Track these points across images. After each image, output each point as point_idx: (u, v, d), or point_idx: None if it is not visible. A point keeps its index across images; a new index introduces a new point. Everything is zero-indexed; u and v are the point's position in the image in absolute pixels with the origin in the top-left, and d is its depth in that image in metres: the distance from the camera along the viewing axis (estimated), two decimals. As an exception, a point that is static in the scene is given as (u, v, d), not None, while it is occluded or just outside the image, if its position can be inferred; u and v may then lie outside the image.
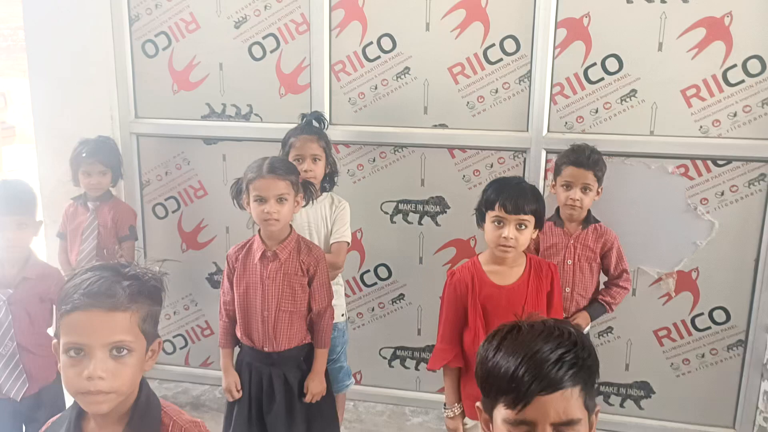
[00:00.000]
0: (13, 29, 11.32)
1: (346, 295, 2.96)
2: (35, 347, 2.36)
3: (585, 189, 2.53)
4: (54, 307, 2.35)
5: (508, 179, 2.23)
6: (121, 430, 1.29)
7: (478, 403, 1.21)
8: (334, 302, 2.69)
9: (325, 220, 2.69)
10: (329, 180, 2.74)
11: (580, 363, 1.10)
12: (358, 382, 3.29)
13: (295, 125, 2.76)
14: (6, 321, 2.31)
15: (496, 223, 2.08)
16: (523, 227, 2.07)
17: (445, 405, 2.30)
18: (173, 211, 3.38)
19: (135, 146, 3.31)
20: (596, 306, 2.65)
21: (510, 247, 2.06)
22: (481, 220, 2.16)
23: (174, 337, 3.53)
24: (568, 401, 1.08)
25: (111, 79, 3.23)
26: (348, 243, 2.71)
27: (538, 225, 2.12)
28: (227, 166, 3.26)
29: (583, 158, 2.54)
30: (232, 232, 3.32)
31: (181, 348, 3.53)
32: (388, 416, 3.25)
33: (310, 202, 2.46)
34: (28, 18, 3.29)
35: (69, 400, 2.49)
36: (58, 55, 3.24)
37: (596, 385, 1.17)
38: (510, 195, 2.06)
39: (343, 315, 2.79)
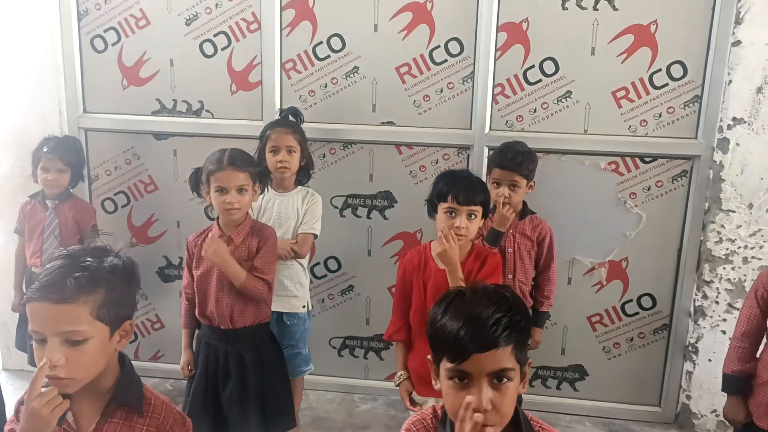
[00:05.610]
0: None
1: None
2: None
3: (512, 186, 2.66)
4: None
5: (457, 172, 2.37)
6: (105, 403, 1.36)
7: (429, 356, 1.36)
8: (297, 293, 2.80)
9: (296, 211, 2.78)
10: (305, 173, 2.83)
11: (513, 325, 1.25)
12: (308, 372, 3.38)
13: (269, 121, 2.90)
14: None
15: (448, 214, 2.22)
16: (473, 217, 2.22)
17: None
18: (123, 206, 3.39)
19: (83, 141, 3.29)
20: (541, 315, 2.85)
21: (461, 235, 2.20)
22: (432, 210, 2.29)
23: (123, 331, 3.52)
24: (501, 356, 1.24)
25: (59, 73, 3.22)
26: (315, 235, 2.80)
27: (485, 215, 2.28)
28: (178, 161, 3.29)
29: (506, 161, 2.67)
30: (183, 226, 3.35)
31: (130, 342, 3.52)
32: (338, 403, 3.35)
33: (266, 190, 2.55)
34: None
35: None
36: (3, 50, 3.20)
37: (527, 342, 1.35)
38: (461, 187, 2.20)
39: (303, 307, 2.87)
